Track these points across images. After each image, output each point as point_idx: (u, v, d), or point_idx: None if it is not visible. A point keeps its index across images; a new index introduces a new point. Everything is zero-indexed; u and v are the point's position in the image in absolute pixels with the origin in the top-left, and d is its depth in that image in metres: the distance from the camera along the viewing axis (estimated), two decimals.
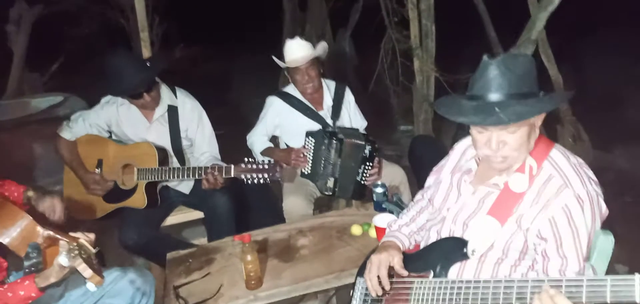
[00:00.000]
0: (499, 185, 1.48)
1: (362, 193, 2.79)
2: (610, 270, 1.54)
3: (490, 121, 1.34)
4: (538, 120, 1.43)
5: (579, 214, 1.35)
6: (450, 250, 1.52)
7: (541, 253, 1.40)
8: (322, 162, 2.77)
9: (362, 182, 2.74)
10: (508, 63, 1.36)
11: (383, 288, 1.59)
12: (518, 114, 1.32)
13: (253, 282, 1.96)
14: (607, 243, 1.48)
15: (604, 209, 1.43)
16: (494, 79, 1.36)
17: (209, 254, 2.26)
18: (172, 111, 2.73)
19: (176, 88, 2.80)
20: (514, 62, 1.37)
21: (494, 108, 1.34)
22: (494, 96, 1.36)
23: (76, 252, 1.58)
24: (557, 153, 1.45)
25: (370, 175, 2.73)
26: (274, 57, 2.90)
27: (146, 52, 3.51)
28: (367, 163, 2.71)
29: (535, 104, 1.36)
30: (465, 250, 1.48)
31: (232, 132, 3.47)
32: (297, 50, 2.77)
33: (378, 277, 1.59)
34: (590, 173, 1.45)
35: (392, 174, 2.88)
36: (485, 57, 1.40)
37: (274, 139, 3.06)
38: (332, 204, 3.19)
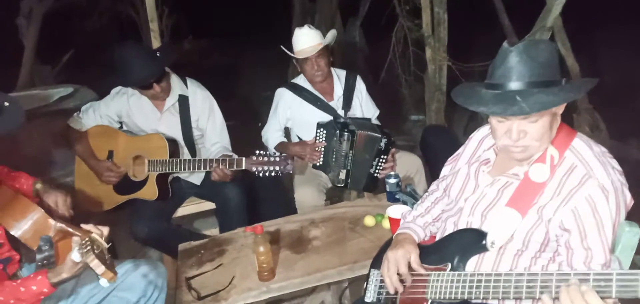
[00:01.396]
0: (518, 175, 1.44)
1: (374, 186, 2.76)
2: None
3: (512, 111, 1.29)
4: (560, 108, 1.39)
5: (604, 204, 1.30)
6: (468, 242, 1.49)
7: (564, 245, 1.35)
8: (334, 153, 2.74)
9: (376, 175, 2.70)
10: (529, 50, 1.31)
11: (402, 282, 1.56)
12: (541, 104, 1.28)
13: (265, 273, 1.94)
14: (632, 234, 1.43)
15: (629, 199, 1.38)
16: (514, 67, 1.32)
17: (221, 246, 2.25)
18: (183, 101, 2.71)
19: (187, 78, 2.78)
20: (535, 49, 1.32)
21: (515, 97, 1.29)
22: (515, 85, 1.32)
23: (88, 247, 1.56)
24: (580, 142, 1.41)
25: (384, 168, 2.69)
26: (283, 47, 2.87)
27: (156, 44, 3.50)
28: (382, 156, 2.67)
29: (558, 92, 1.31)
30: (484, 242, 1.44)
31: (242, 123, 3.46)
32: (305, 40, 2.72)
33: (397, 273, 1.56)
34: (614, 162, 1.40)
35: (409, 164, 2.84)
36: (505, 44, 1.35)
37: (286, 130, 3.03)
38: (343, 195, 3.16)
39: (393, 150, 2.74)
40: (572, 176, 1.35)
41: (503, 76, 1.34)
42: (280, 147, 2.89)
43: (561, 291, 1.13)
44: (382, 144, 2.63)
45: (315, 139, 2.78)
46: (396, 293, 1.58)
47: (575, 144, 1.41)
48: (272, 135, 2.94)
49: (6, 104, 1.72)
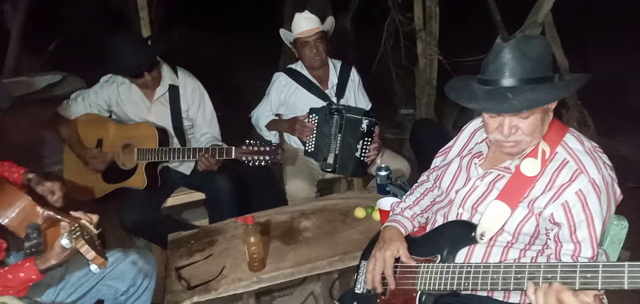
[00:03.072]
0: (510, 169, 1.46)
1: (362, 171, 2.77)
2: None
3: (503, 108, 1.31)
4: (552, 104, 1.40)
5: (594, 199, 1.32)
6: (459, 234, 1.50)
7: (554, 238, 1.37)
8: (324, 138, 2.75)
9: (362, 158, 2.70)
10: (522, 46, 1.32)
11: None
12: (531, 101, 1.29)
13: (256, 264, 1.94)
14: (620, 228, 1.46)
15: (618, 194, 1.40)
16: (507, 63, 1.32)
17: (211, 236, 2.24)
18: (173, 91, 2.69)
19: (177, 68, 2.76)
20: (528, 46, 1.32)
21: (506, 94, 1.30)
22: (507, 81, 1.32)
23: (78, 233, 1.54)
24: (572, 138, 1.42)
25: (370, 152, 2.70)
26: (281, 32, 2.88)
27: (145, 32, 3.47)
28: (366, 139, 2.67)
29: (549, 90, 1.32)
30: (473, 234, 1.46)
31: (232, 113, 3.44)
32: (306, 23, 2.76)
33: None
34: (605, 157, 1.42)
35: (396, 166, 2.84)
36: (498, 40, 1.36)
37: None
38: (334, 187, 3.16)
39: (377, 132, 2.73)
40: (564, 171, 1.36)
41: (496, 72, 1.35)
42: (272, 124, 2.91)
43: (528, 289, 1.15)
44: (364, 125, 2.64)
45: (308, 120, 2.79)
46: (384, 287, 1.59)
47: (567, 140, 1.42)
48: (262, 114, 2.95)
49: None
